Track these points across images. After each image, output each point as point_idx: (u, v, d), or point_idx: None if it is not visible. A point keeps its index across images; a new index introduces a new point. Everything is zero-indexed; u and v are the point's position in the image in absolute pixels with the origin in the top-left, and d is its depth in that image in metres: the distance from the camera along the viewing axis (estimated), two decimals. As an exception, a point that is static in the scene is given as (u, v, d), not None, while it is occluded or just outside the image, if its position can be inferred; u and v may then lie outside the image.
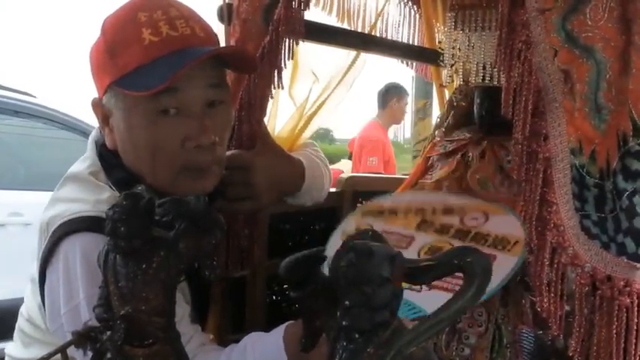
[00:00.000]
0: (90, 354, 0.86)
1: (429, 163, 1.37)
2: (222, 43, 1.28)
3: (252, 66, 1.16)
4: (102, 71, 1.08)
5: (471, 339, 1.17)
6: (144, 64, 1.03)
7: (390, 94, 5.46)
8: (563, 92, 0.85)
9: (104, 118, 1.14)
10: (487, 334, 1.16)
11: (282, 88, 1.24)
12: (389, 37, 1.88)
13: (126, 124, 1.09)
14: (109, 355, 0.85)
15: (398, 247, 1.06)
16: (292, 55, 1.19)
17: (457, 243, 1.06)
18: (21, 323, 1.25)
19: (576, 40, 0.85)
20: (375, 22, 1.83)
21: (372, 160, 5.18)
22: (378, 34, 1.85)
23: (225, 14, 1.27)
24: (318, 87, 1.56)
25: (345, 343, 0.65)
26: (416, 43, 1.92)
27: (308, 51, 1.51)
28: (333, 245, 1.21)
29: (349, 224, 1.25)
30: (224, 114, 1.12)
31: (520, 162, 0.87)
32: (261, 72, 1.20)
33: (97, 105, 1.14)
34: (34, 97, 4.13)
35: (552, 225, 0.85)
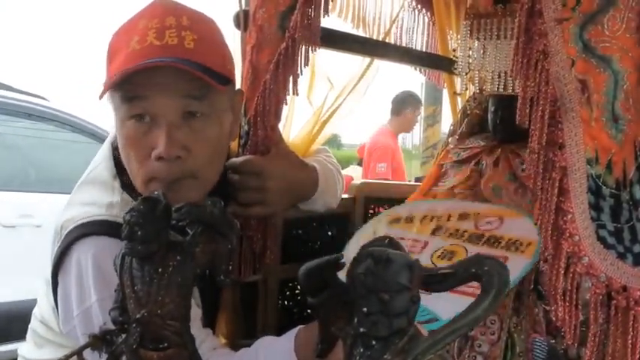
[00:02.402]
0: (105, 356, 0.86)
1: (443, 170, 1.36)
2: (238, 50, 1.28)
3: (222, 78, 1.11)
4: (105, 74, 1.10)
5: (484, 347, 1.17)
6: (122, 70, 1.03)
7: (407, 103, 5.47)
8: (580, 102, 0.85)
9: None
10: (500, 343, 1.16)
11: (297, 94, 1.24)
12: (403, 44, 1.90)
13: (116, 127, 1.11)
14: (124, 358, 0.86)
15: (411, 252, 1.07)
16: (308, 61, 1.19)
17: (470, 246, 1.05)
18: (34, 324, 1.26)
19: (593, 50, 0.85)
20: (390, 29, 1.84)
21: (380, 167, 5.17)
22: (392, 41, 1.86)
23: (242, 21, 1.28)
24: (333, 93, 1.57)
25: (362, 350, 0.65)
26: (430, 50, 1.93)
27: (324, 57, 1.52)
28: (352, 251, 1.20)
29: (367, 230, 1.25)
30: (203, 127, 1.08)
31: (536, 171, 0.88)
32: (277, 78, 1.20)
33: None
34: (47, 100, 4.16)
35: (568, 234, 0.86)
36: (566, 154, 0.86)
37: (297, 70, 1.19)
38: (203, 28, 1.10)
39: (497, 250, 1.02)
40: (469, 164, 1.30)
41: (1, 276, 3.35)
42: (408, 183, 2.01)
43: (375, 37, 1.81)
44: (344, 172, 5.08)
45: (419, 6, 1.93)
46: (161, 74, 1.03)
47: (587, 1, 0.85)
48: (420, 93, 5.75)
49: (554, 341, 1.11)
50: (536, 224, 0.95)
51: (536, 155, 0.87)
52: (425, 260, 1.06)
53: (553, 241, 0.86)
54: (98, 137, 3.80)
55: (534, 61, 0.85)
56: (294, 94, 1.22)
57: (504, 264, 0.65)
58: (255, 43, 1.24)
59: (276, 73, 1.19)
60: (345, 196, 1.55)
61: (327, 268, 0.70)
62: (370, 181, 1.63)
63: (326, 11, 1.17)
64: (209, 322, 1.26)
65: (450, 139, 1.40)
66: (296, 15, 1.17)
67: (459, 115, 1.41)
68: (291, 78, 1.19)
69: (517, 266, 0.97)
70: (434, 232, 1.13)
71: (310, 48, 1.19)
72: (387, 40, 1.81)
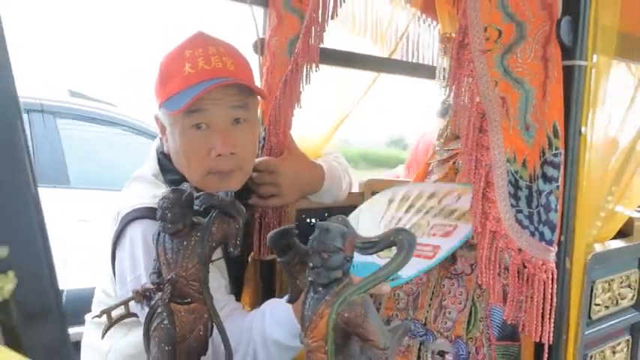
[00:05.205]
0: (146, 309, 1.15)
1: (429, 168, 1.61)
2: (256, 71, 1.57)
3: (258, 93, 1.42)
4: (157, 94, 1.41)
5: (453, 314, 1.41)
6: (182, 90, 1.33)
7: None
8: (501, 114, 1.09)
9: (162, 129, 1.46)
10: (465, 310, 1.40)
11: (301, 107, 1.51)
12: (419, 54, 2.13)
13: (171, 136, 1.40)
14: (159, 310, 1.15)
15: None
16: (310, 80, 1.47)
17: (431, 218, 1.30)
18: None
19: (511, 74, 1.08)
20: (401, 37, 2.07)
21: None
22: (408, 52, 2.10)
23: (259, 47, 1.57)
24: (344, 103, 1.84)
25: (312, 294, 0.92)
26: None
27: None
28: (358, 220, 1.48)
29: (363, 209, 1.52)
30: (247, 130, 1.40)
31: (469, 168, 1.12)
32: (285, 94, 1.48)
33: (156, 119, 1.47)
34: (114, 105, 4.57)
35: (492, 217, 1.09)
36: (491, 154, 1.09)
37: (300, 87, 1.46)
38: (235, 53, 1.42)
39: (451, 220, 1.27)
40: (449, 163, 1.54)
41: (78, 265, 3.70)
42: (407, 180, 2.24)
43: (388, 50, 2.06)
44: (393, 170, 5.24)
45: (429, 19, 2.17)
46: (215, 91, 1.34)
47: (505, 35, 1.08)
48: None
49: (508, 308, 1.34)
50: None
51: (468, 156, 1.11)
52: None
53: (481, 222, 1.10)
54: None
55: (464, 83, 1.10)
56: (298, 107, 1.49)
57: (412, 233, 0.90)
58: (270, 66, 1.53)
59: (284, 90, 1.48)
60: (355, 190, 1.81)
61: (286, 234, 0.97)
62: (376, 178, 1.88)
63: (321, 39, 1.44)
64: (235, 293, 1.54)
65: (436, 142, 1.64)
66: (299, 42, 1.45)
67: (446, 122, 1.65)
68: (295, 94, 1.47)
69: (462, 232, 1.22)
70: (407, 210, 1.38)
71: (310, 69, 1.46)
72: (398, 50, 2.05)
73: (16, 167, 0.64)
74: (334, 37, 1.58)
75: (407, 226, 1.33)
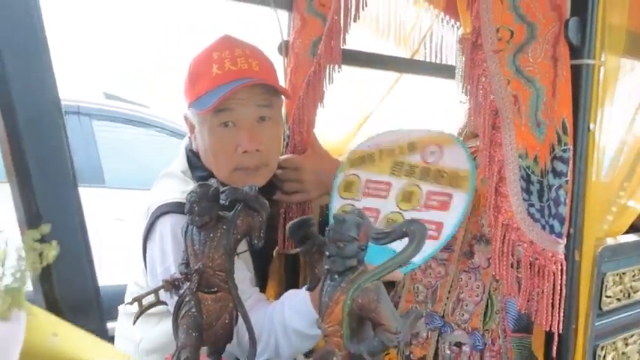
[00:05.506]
0: (175, 298, 1.22)
1: (449, 165, 1.65)
2: (281, 72, 1.64)
3: (282, 92, 1.48)
4: (186, 94, 1.48)
5: (470, 306, 1.45)
6: (210, 90, 1.40)
7: None
8: (513, 112, 1.13)
9: (191, 128, 1.53)
10: (482, 303, 1.44)
11: (324, 107, 1.57)
12: (442, 55, 2.17)
13: (200, 134, 1.47)
14: (187, 298, 1.21)
15: (380, 197, 1.36)
16: (332, 80, 1.53)
17: (423, 184, 1.30)
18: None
19: (522, 73, 1.12)
20: (424, 37, 2.12)
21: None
22: (432, 54, 2.14)
23: (283, 49, 1.63)
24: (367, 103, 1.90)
25: (329, 281, 0.97)
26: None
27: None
28: (333, 199, 1.50)
29: (341, 178, 1.51)
30: (271, 128, 1.46)
31: (485, 164, 1.16)
32: (308, 94, 1.54)
33: (185, 118, 1.54)
34: (148, 107, 4.67)
35: (504, 211, 1.13)
36: (503, 150, 1.13)
37: (322, 87, 1.52)
38: (260, 55, 1.48)
39: (443, 187, 1.27)
40: (468, 160, 1.58)
41: (113, 263, 3.79)
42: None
43: (411, 51, 2.10)
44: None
45: (452, 20, 2.21)
46: (241, 91, 1.40)
47: (517, 36, 1.12)
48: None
49: (524, 301, 1.37)
50: (465, 149, 1.23)
51: (484, 152, 1.16)
52: (392, 206, 1.33)
53: (494, 216, 1.14)
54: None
55: (478, 82, 1.14)
56: (321, 106, 1.55)
57: (424, 224, 0.95)
58: (294, 67, 1.59)
59: (307, 90, 1.54)
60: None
61: (303, 225, 1.03)
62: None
63: (344, 40, 1.50)
64: (260, 286, 1.60)
65: (456, 140, 1.68)
66: (321, 44, 1.51)
67: (466, 120, 1.69)
68: (318, 94, 1.53)
69: (458, 204, 1.22)
70: (393, 171, 1.38)
71: (333, 69, 1.51)
72: (421, 52, 2.09)
73: (60, 166, 0.70)
74: (355, 37, 1.63)
75: (399, 196, 1.33)
